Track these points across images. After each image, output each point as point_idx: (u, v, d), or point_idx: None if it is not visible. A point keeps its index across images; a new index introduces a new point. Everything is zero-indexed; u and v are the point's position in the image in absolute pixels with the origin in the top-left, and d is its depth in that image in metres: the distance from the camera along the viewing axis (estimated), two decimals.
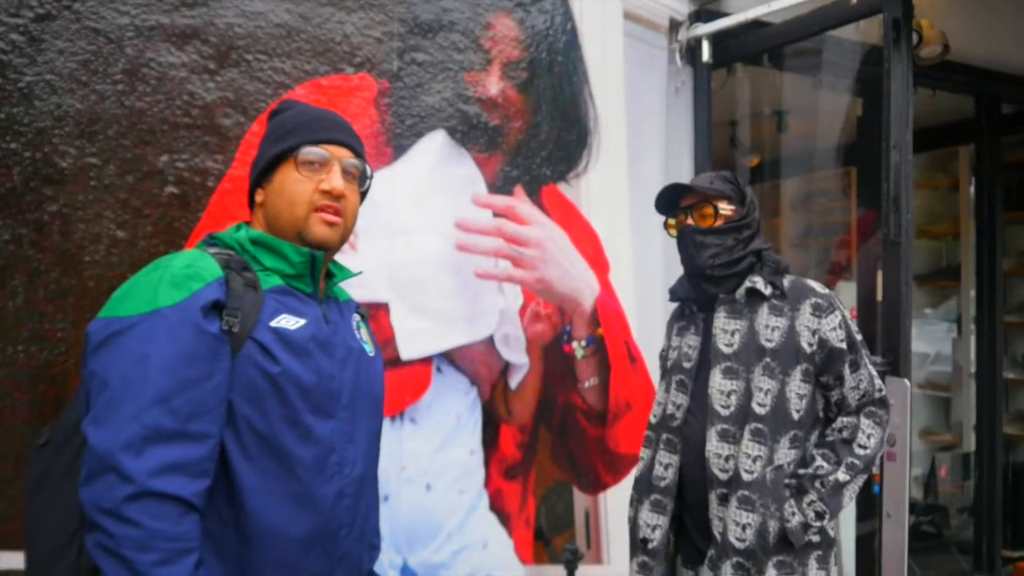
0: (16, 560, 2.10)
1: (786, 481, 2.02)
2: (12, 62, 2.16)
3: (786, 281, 2.12)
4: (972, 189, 5.13)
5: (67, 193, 2.23)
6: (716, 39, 3.36)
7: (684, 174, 3.40)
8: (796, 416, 2.05)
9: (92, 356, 1.39)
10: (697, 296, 2.20)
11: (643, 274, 3.20)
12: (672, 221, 2.22)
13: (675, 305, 2.34)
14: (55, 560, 1.41)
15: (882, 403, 2.09)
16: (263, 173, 1.59)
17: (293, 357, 1.49)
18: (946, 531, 5.06)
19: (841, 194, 5.15)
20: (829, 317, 2.06)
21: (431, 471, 2.73)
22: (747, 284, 2.10)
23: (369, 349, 1.70)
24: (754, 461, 2.02)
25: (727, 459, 2.05)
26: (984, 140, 4.77)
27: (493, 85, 2.87)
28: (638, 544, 2.19)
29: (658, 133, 3.27)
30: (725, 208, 2.13)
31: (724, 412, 2.07)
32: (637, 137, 3.18)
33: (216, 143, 2.40)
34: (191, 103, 2.38)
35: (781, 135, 4.62)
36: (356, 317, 1.73)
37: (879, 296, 2.88)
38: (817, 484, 2.01)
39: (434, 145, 2.77)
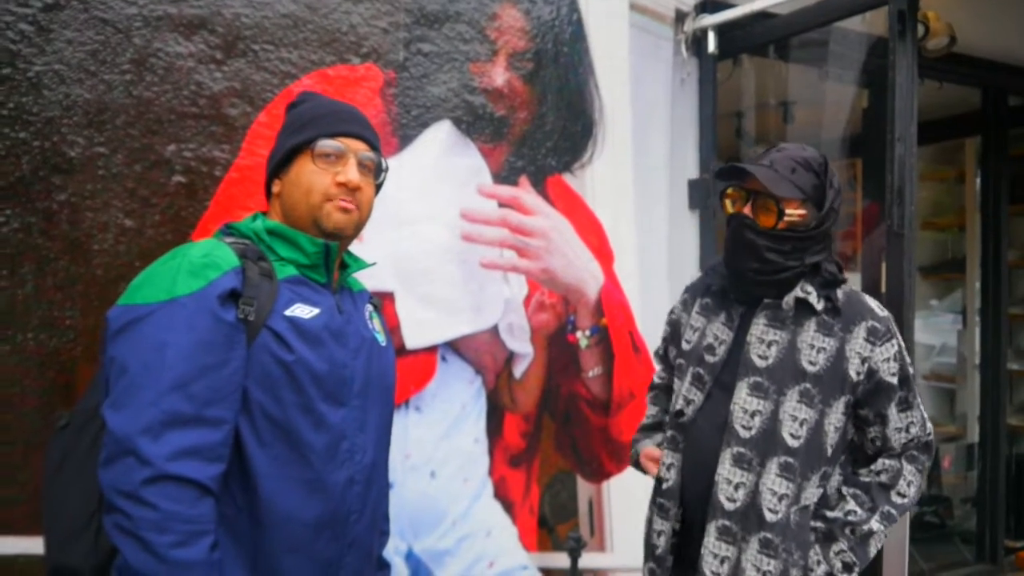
0: (27, 545, 2.13)
1: (812, 524, 1.81)
2: (21, 52, 2.18)
3: (840, 294, 1.85)
4: (978, 181, 5.12)
5: (76, 182, 2.25)
6: (722, 30, 3.36)
7: (689, 165, 3.40)
8: (830, 452, 1.81)
9: (111, 342, 1.42)
10: (736, 290, 1.92)
11: (647, 264, 3.20)
12: (731, 191, 1.86)
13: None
14: (75, 540, 1.44)
15: (927, 448, 1.88)
16: (280, 164, 1.62)
17: (307, 345, 1.52)
18: (949, 521, 5.07)
19: (846, 185, 5.15)
20: (885, 345, 1.80)
21: (436, 459, 2.75)
22: (797, 293, 1.82)
23: (381, 339, 1.73)
24: (780, 500, 1.77)
25: (737, 487, 1.80)
26: (990, 132, 4.76)
27: (499, 76, 2.88)
28: (648, 549, 2.00)
29: (663, 124, 3.27)
30: (794, 212, 1.79)
31: (745, 434, 1.81)
32: (642, 128, 3.18)
33: (223, 133, 2.41)
34: (198, 93, 2.39)
35: (787, 126, 4.62)
36: (369, 307, 1.76)
37: (883, 287, 2.88)
38: (848, 531, 1.80)
39: (440, 135, 2.78)
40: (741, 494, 1.79)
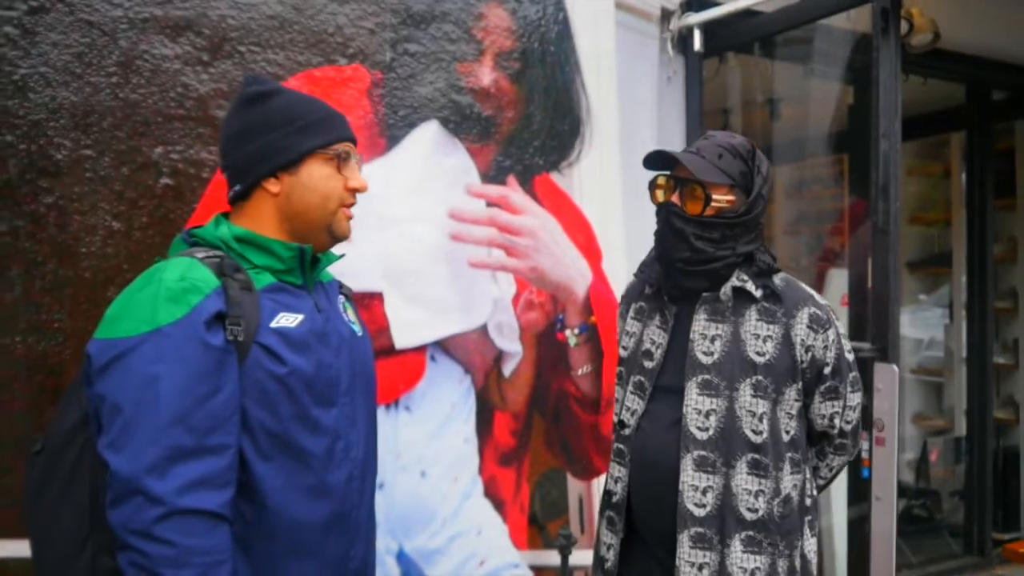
0: (15, 548, 2.13)
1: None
2: (6, 55, 2.18)
3: (778, 280, 1.83)
4: (963, 176, 5.16)
5: (63, 185, 2.24)
6: (707, 28, 3.38)
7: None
8: (787, 438, 1.79)
9: (98, 379, 1.38)
10: (668, 284, 1.87)
11: (635, 262, 3.15)
12: (660, 181, 1.85)
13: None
14: (69, 567, 1.42)
15: (850, 434, 1.91)
16: (287, 164, 1.56)
17: (297, 354, 1.50)
18: (938, 514, 5.12)
19: (833, 181, 5.18)
20: (826, 333, 1.79)
21: (426, 459, 2.76)
22: (735, 282, 1.79)
23: (357, 329, 1.72)
24: (757, 497, 1.74)
25: (704, 492, 1.74)
26: (975, 127, 4.80)
27: (486, 75, 2.88)
28: (597, 562, 1.96)
29: (650, 122, 3.28)
30: (721, 198, 1.77)
31: (702, 436, 1.76)
32: (629, 126, 3.19)
33: (210, 134, 2.41)
34: (185, 95, 2.39)
35: (773, 123, 4.64)
36: (341, 298, 1.74)
37: (870, 283, 2.90)
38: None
39: (427, 135, 2.78)
40: (710, 498, 1.74)
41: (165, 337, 1.37)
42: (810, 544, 1.85)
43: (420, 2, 2.76)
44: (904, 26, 3.56)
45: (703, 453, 1.75)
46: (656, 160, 1.84)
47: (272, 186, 1.57)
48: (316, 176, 1.57)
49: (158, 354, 1.36)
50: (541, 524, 3.01)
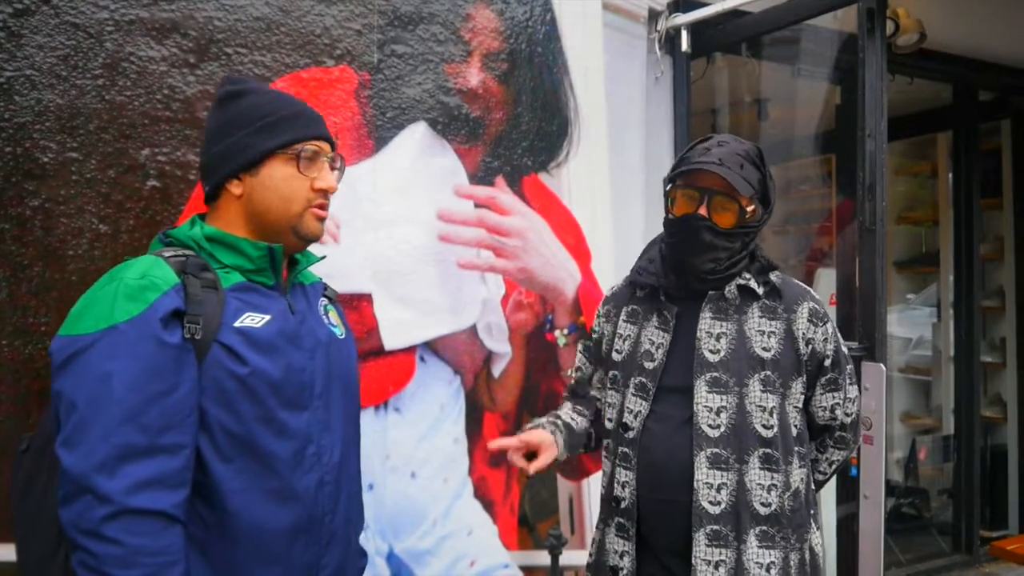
0: (3, 552, 2.12)
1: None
2: None
3: (775, 278, 1.87)
4: (950, 176, 5.19)
5: (49, 188, 2.23)
6: (695, 29, 3.38)
7: (664, 163, 3.42)
8: (794, 431, 1.82)
9: (57, 376, 1.38)
10: (676, 288, 1.87)
11: (624, 263, 3.19)
12: (681, 193, 1.81)
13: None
14: (44, 568, 1.42)
15: (851, 427, 1.94)
16: (247, 165, 1.54)
17: (261, 355, 1.47)
18: (926, 513, 5.14)
19: (821, 181, 5.19)
20: (825, 327, 1.84)
21: (415, 459, 2.76)
22: (739, 281, 1.82)
23: (339, 332, 1.69)
24: (769, 491, 1.75)
25: (719, 489, 1.74)
26: (962, 127, 4.82)
27: (473, 76, 2.89)
28: (606, 571, 1.91)
29: (638, 122, 3.29)
30: (749, 209, 1.79)
31: (714, 433, 1.76)
32: (617, 127, 3.20)
33: (197, 136, 2.40)
34: (171, 97, 2.38)
35: (761, 123, 4.65)
36: (323, 300, 1.72)
37: (857, 282, 2.91)
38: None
39: (415, 137, 2.78)
40: (724, 495, 1.74)
41: (120, 334, 1.36)
42: (816, 537, 1.88)
43: (407, 3, 2.76)
44: (890, 26, 3.58)
45: (716, 450, 1.75)
46: (687, 173, 1.80)
47: (235, 187, 1.55)
48: (276, 177, 1.54)
49: (112, 351, 1.35)
50: (531, 525, 3.02)
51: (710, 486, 1.74)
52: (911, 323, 5.92)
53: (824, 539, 3.91)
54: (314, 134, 1.59)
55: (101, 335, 1.36)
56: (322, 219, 1.60)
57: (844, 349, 1.91)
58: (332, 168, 1.62)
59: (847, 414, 1.92)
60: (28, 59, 2.21)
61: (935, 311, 5.63)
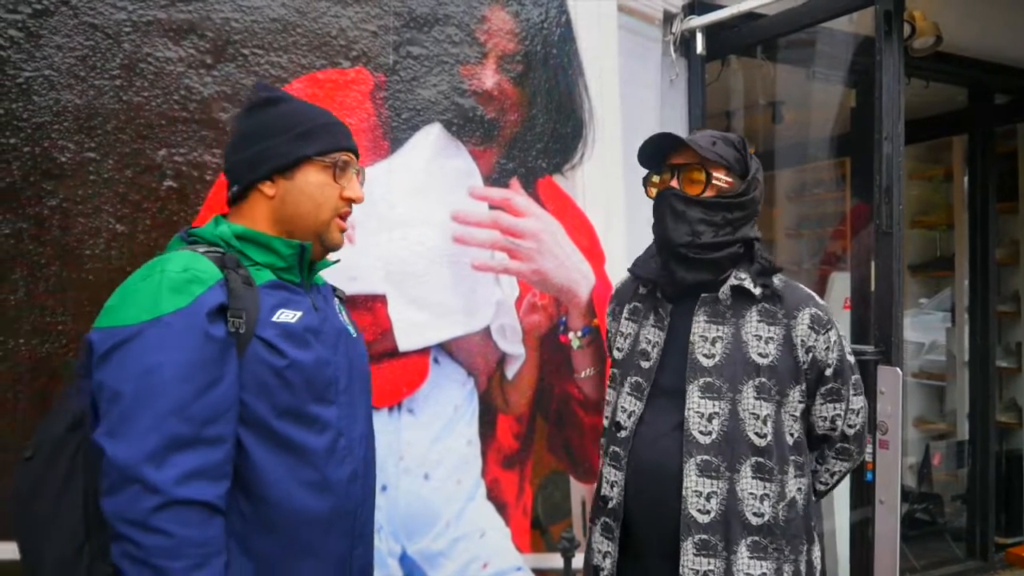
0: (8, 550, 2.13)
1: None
2: (10, 58, 2.18)
3: (778, 281, 1.82)
4: (966, 179, 5.16)
5: (66, 187, 2.24)
6: (710, 31, 3.38)
7: None
8: (791, 440, 1.78)
9: (98, 367, 1.38)
10: (666, 280, 1.84)
11: None
12: (656, 179, 1.85)
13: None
14: (68, 566, 1.41)
15: (855, 439, 1.89)
16: (283, 168, 1.58)
17: (296, 349, 1.51)
18: (940, 519, 5.11)
19: (835, 184, 5.18)
20: (827, 334, 1.79)
21: (429, 461, 2.76)
22: (733, 281, 1.78)
23: (352, 331, 1.74)
24: (762, 501, 1.71)
25: (708, 498, 1.70)
26: (977, 130, 4.79)
27: (489, 78, 2.89)
28: (590, 571, 1.91)
29: (653, 125, 3.28)
30: (721, 178, 1.77)
31: (705, 440, 1.72)
32: (632, 129, 3.19)
33: (214, 137, 2.41)
34: (188, 97, 2.39)
35: (776, 126, 4.64)
36: (336, 300, 1.76)
37: (872, 286, 2.90)
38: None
39: (430, 138, 2.78)
40: (714, 504, 1.70)
41: (167, 326, 1.37)
42: (816, 550, 1.83)
43: (423, 5, 2.76)
44: (906, 29, 3.56)
45: (706, 458, 1.72)
46: (652, 149, 1.84)
47: (267, 188, 1.59)
48: (312, 182, 1.59)
49: (160, 342, 1.37)
50: (544, 527, 3.01)
51: (699, 494, 1.71)
52: (924, 328, 5.90)
53: (836, 545, 3.92)
54: (346, 145, 1.65)
55: (146, 326, 1.37)
56: (343, 230, 1.66)
57: (850, 359, 1.86)
58: (359, 179, 1.68)
59: (850, 426, 1.88)
60: (47, 59, 2.22)
61: (948, 316, 5.61)
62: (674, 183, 1.79)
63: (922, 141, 5.39)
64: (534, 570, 2.97)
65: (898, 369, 2.68)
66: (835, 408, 1.84)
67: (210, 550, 1.36)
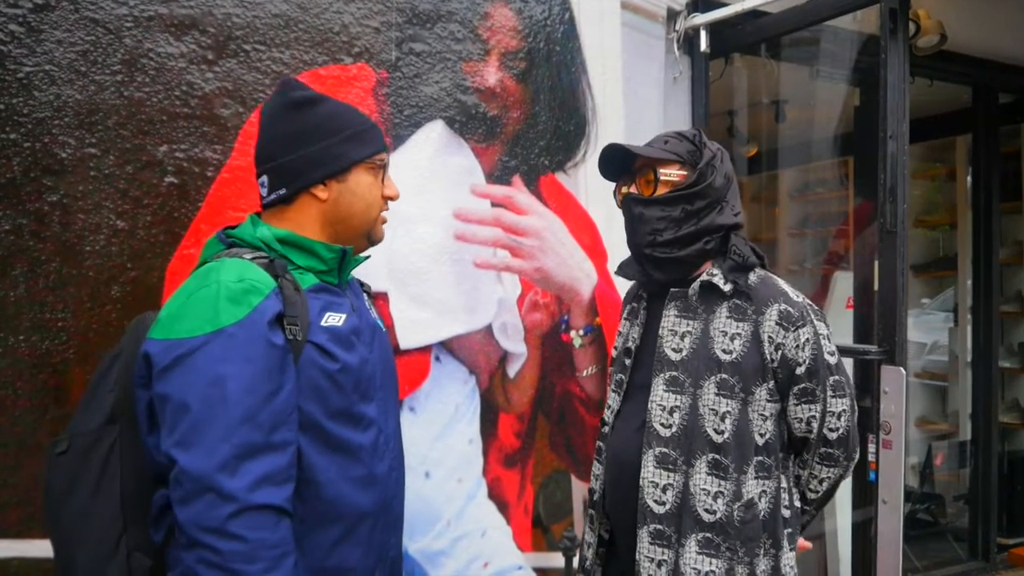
0: (21, 548, 2.12)
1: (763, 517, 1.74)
2: (11, 52, 2.16)
3: (753, 277, 1.80)
4: (969, 179, 5.15)
5: (67, 183, 2.23)
6: (713, 29, 3.36)
7: None
8: (760, 441, 1.74)
9: (160, 379, 1.41)
10: (644, 281, 1.88)
11: None
12: (623, 189, 1.89)
13: None
14: (105, 566, 1.45)
15: (839, 443, 1.80)
16: (338, 171, 1.62)
17: (345, 351, 1.56)
18: (942, 519, 5.10)
19: (838, 184, 5.17)
20: (797, 332, 1.73)
21: (430, 459, 2.75)
22: (703, 277, 1.78)
23: (382, 325, 1.79)
24: (715, 498, 1.71)
25: (664, 489, 1.73)
26: (981, 130, 4.78)
27: (491, 75, 2.87)
28: (580, 560, 2.01)
29: (656, 123, 3.27)
30: (671, 173, 1.79)
31: (665, 432, 1.75)
32: (635, 127, 3.18)
33: (215, 133, 2.40)
34: (190, 93, 2.38)
35: (779, 125, 4.63)
36: (364, 296, 1.82)
37: (876, 286, 2.89)
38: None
39: (432, 135, 2.77)
40: (670, 496, 1.73)
41: (229, 337, 1.41)
42: (785, 557, 1.77)
43: (426, 1, 2.75)
44: (911, 28, 3.55)
45: (664, 450, 1.75)
46: (612, 162, 1.89)
47: (321, 192, 1.62)
48: (363, 184, 1.65)
49: (224, 354, 1.40)
50: (545, 526, 3.00)
51: (655, 485, 1.74)
52: (926, 328, 5.89)
53: (838, 545, 3.91)
54: (384, 146, 1.71)
55: (209, 338, 1.40)
56: (385, 222, 1.73)
57: (830, 359, 1.79)
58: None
59: (831, 429, 1.79)
60: (47, 54, 2.21)
61: (951, 316, 5.60)
62: (633, 188, 1.84)
63: (925, 140, 5.38)
64: (535, 569, 2.96)
65: (902, 369, 2.67)
66: (810, 410, 1.77)
67: (281, 551, 1.40)
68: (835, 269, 4.82)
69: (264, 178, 1.64)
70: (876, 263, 2.84)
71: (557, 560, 3.00)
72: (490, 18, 2.87)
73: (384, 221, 1.73)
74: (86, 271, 2.25)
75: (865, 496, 3.37)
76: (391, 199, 1.72)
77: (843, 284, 4.24)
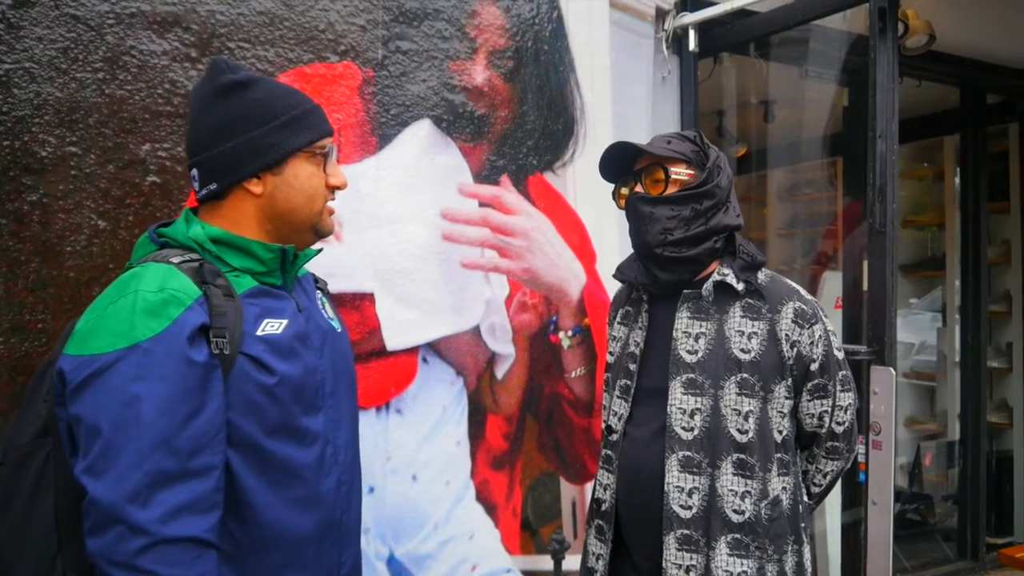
0: None
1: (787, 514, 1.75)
2: None
3: (763, 276, 1.82)
4: (957, 179, 5.16)
5: (47, 182, 2.20)
6: (702, 28, 3.35)
7: None
8: (779, 438, 1.76)
9: (73, 399, 1.30)
10: (649, 283, 1.85)
11: None
12: (624, 189, 1.87)
13: None
14: None
15: (843, 436, 1.85)
16: (272, 163, 1.47)
17: (284, 362, 1.43)
18: (931, 519, 5.10)
19: (827, 184, 5.16)
20: (811, 329, 1.77)
21: (417, 462, 2.72)
22: (716, 277, 1.77)
23: (336, 325, 1.66)
24: (743, 498, 1.71)
25: (691, 493, 1.71)
26: (969, 130, 4.79)
27: (479, 74, 2.85)
28: (585, 573, 1.93)
29: (645, 122, 3.26)
30: (680, 172, 1.78)
31: (687, 436, 1.73)
32: (624, 126, 3.16)
33: None
34: (173, 91, 2.35)
35: (768, 125, 4.63)
36: (318, 293, 1.68)
37: (865, 285, 2.88)
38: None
39: (419, 134, 2.75)
40: (696, 499, 1.71)
41: (145, 353, 1.28)
42: (806, 552, 1.81)
43: None
44: (899, 28, 3.54)
45: (688, 454, 1.72)
46: (613, 162, 1.86)
47: (254, 187, 1.47)
48: (302, 175, 1.49)
49: (138, 372, 1.27)
50: (534, 529, 2.98)
51: (681, 490, 1.72)
52: (914, 328, 5.89)
53: (827, 546, 3.90)
54: (328, 130, 1.55)
55: (122, 354, 1.28)
56: (332, 213, 1.58)
57: (838, 354, 1.83)
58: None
59: (839, 423, 1.84)
60: (27, 51, 2.17)
61: (938, 316, 5.60)
62: (638, 188, 1.81)
63: (913, 140, 5.39)
64: (524, 572, 2.94)
65: (891, 369, 2.66)
66: (822, 404, 1.81)
67: None
68: (824, 269, 4.81)
69: (194, 171, 1.49)
70: (865, 263, 2.83)
71: (546, 563, 2.98)
72: (477, 16, 2.85)
73: (331, 212, 1.57)
74: (66, 272, 2.22)
75: (854, 497, 3.37)
76: (337, 188, 1.55)
77: (832, 284, 4.24)
